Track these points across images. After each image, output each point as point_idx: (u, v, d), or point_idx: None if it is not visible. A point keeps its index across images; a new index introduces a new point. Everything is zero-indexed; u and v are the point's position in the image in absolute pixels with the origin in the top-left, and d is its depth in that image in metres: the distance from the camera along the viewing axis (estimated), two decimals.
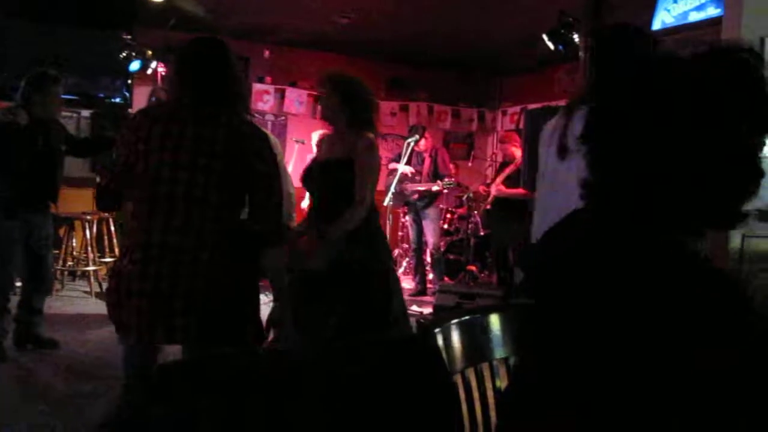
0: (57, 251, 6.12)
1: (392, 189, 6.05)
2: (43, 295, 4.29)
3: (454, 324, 1.36)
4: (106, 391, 3.49)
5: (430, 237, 6.65)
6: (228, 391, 1.06)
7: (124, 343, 2.34)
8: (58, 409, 3.32)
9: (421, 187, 6.48)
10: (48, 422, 3.16)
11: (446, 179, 6.42)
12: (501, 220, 6.18)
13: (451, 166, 6.96)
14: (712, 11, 4.71)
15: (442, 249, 6.88)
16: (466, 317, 1.40)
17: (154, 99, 4.85)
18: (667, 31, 5.03)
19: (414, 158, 6.60)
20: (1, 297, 4.05)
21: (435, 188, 6.43)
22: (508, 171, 6.21)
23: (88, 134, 6.53)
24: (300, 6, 6.31)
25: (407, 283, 7.16)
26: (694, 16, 4.87)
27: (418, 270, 6.81)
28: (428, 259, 7.01)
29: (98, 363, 4.05)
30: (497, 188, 6.20)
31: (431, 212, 6.63)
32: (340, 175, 2.81)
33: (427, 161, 6.59)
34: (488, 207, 6.56)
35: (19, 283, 4.41)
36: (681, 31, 4.89)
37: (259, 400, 1.08)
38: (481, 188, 6.64)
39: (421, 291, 6.69)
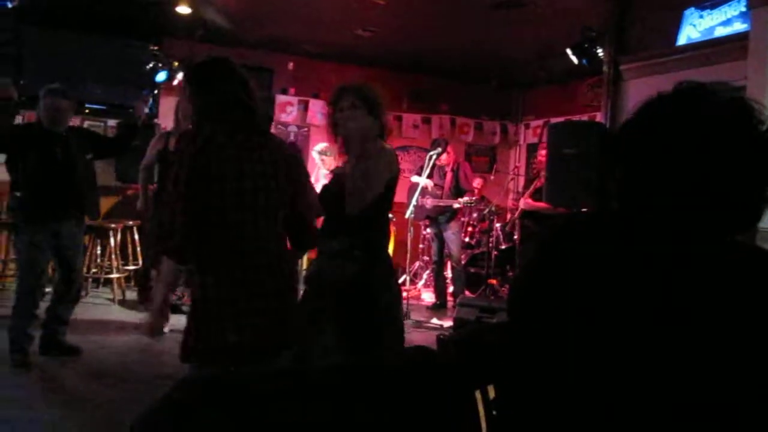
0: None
1: (413, 202, 6.05)
2: (71, 304, 4.34)
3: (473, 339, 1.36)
4: (129, 396, 3.53)
5: (453, 251, 6.65)
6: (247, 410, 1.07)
7: None
8: (82, 415, 3.35)
9: (442, 203, 6.49)
10: (71, 427, 3.19)
11: (467, 196, 6.40)
12: (530, 234, 6.09)
13: (478, 179, 6.88)
14: (739, 26, 4.68)
15: (463, 262, 6.86)
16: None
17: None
18: (694, 46, 5.00)
19: (436, 172, 6.60)
20: (30, 302, 4.09)
21: (456, 206, 6.42)
22: (538, 184, 6.03)
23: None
24: (323, 19, 6.37)
25: (427, 296, 7.15)
26: (720, 31, 4.83)
27: (439, 283, 6.80)
28: (449, 272, 6.98)
29: (121, 369, 4.09)
30: (525, 201, 6.13)
31: (453, 226, 6.62)
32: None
33: (449, 176, 6.58)
34: (516, 220, 6.43)
35: (48, 289, 4.47)
36: (707, 46, 4.85)
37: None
38: (512, 203, 6.47)
39: (441, 304, 6.67)
